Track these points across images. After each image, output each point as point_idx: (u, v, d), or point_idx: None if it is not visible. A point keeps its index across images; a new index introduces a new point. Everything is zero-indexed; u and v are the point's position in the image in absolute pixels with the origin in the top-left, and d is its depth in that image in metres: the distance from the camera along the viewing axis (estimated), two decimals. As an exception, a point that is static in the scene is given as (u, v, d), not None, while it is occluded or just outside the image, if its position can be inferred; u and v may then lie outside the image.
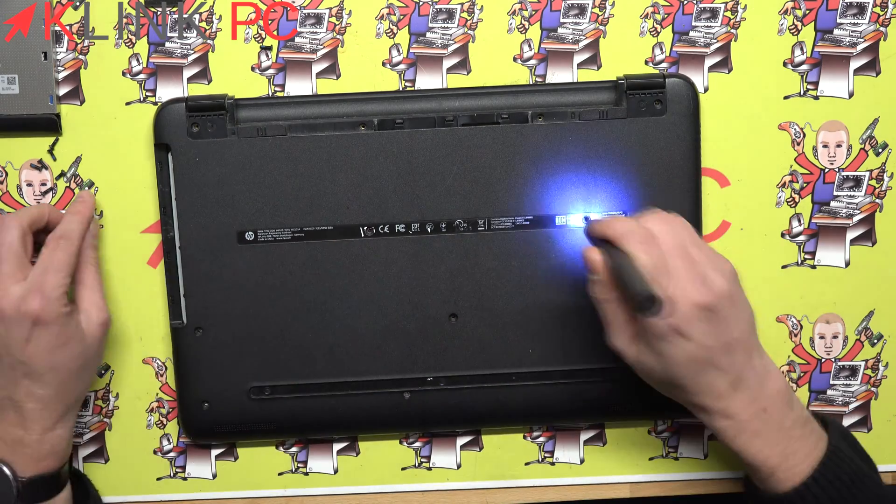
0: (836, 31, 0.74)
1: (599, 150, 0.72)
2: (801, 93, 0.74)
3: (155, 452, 0.77)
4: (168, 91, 0.73)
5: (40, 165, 0.74)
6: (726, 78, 0.74)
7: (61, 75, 0.73)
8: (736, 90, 0.74)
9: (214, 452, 0.77)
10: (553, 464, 0.78)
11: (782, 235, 0.76)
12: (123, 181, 0.74)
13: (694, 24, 0.74)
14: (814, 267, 0.76)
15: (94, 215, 0.71)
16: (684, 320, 0.61)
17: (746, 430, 0.64)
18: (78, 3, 0.73)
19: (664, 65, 0.74)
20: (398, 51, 0.74)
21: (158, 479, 0.77)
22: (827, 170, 0.75)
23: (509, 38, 0.74)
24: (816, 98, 0.74)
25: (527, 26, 0.74)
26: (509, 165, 0.72)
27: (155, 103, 0.73)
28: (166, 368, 0.76)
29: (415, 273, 0.72)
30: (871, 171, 0.75)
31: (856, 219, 0.76)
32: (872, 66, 0.74)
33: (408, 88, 0.74)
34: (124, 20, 0.73)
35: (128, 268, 0.75)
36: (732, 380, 0.64)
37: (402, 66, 0.74)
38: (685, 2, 0.73)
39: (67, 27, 0.73)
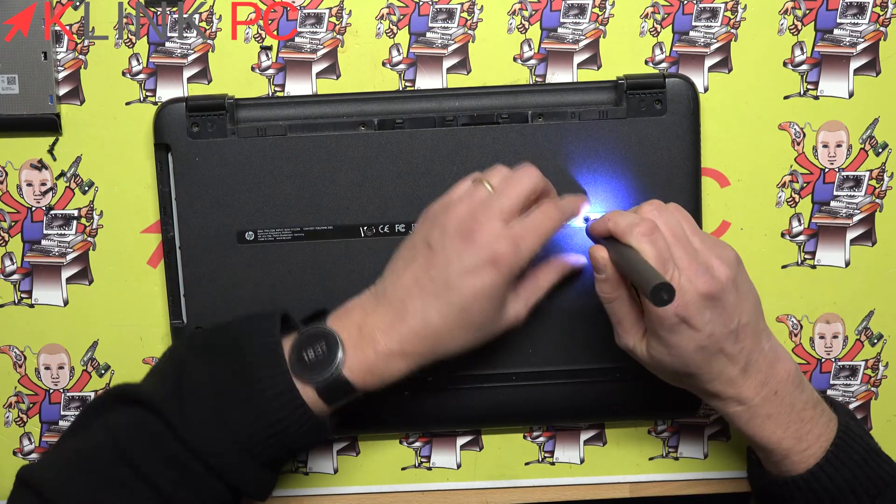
0: (836, 31, 0.74)
1: (599, 150, 0.72)
2: (801, 93, 0.74)
3: (155, 452, 0.77)
4: (168, 91, 0.73)
5: (40, 165, 0.74)
6: (726, 78, 0.74)
7: (61, 75, 0.73)
8: (736, 90, 0.74)
9: (214, 452, 0.77)
10: (553, 464, 0.78)
11: (782, 235, 0.76)
12: (123, 181, 0.74)
13: (694, 24, 0.74)
14: (814, 267, 0.76)
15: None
16: (691, 310, 0.61)
17: (759, 414, 0.65)
18: (78, 3, 0.73)
19: (664, 65, 0.74)
20: (398, 51, 0.74)
21: (158, 479, 0.77)
22: (827, 170, 0.75)
23: (509, 38, 0.74)
24: (816, 98, 0.74)
25: (527, 26, 0.74)
26: (509, 165, 0.71)
27: (155, 103, 0.73)
28: (166, 368, 0.76)
29: (415, 273, 0.72)
30: (871, 171, 0.75)
31: (856, 219, 0.76)
32: (872, 66, 0.74)
33: (408, 88, 0.74)
34: (124, 20, 0.73)
35: (128, 268, 0.75)
36: (742, 365, 0.64)
37: (402, 66, 0.74)
38: (685, 2, 0.73)
39: (67, 27, 0.73)
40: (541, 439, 0.78)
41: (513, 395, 0.74)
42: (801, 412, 0.65)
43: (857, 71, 0.74)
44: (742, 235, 0.75)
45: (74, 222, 0.74)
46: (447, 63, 0.74)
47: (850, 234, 0.76)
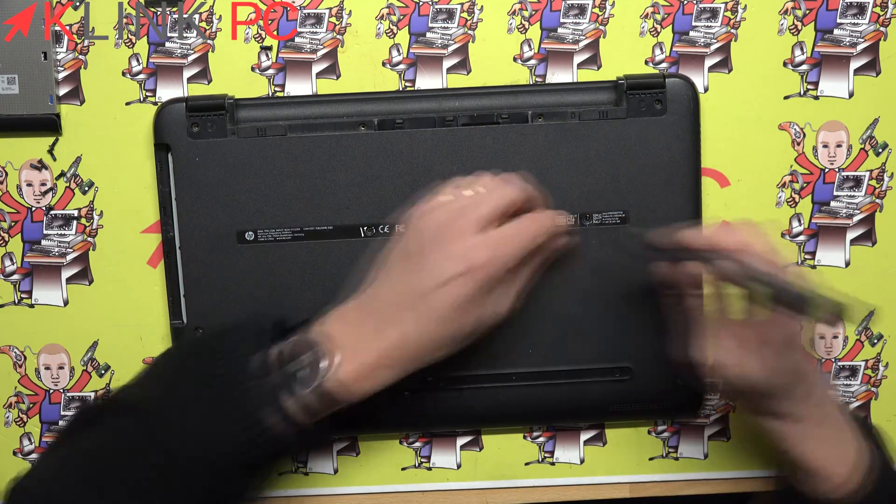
0: (836, 31, 0.74)
1: (599, 150, 0.72)
2: (801, 93, 0.74)
3: (155, 452, 0.77)
4: (168, 91, 0.73)
5: (40, 165, 0.74)
6: (726, 78, 0.74)
7: (61, 75, 0.73)
8: (736, 90, 0.74)
9: (214, 452, 0.77)
10: (553, 464, 0.78)
11: (782, 235, 0.76)
12: (123, 181, 0.74)
13: (694, 24, 0.74)
14: (814, 267, 0.76)
15: (561, 236, 0.69)
16: (798, 332, 0.63)
17: (812, 434, 0.66)
18: (78, 3, 0.73)
19: (664, 65, 0.74)
20: (398, 51, 0.74)
21: (158, 479, 0.77)
22: (827, 170, 0.75)
23: (509, 38, 0.74)
24: (816, 98, 0.74)
25: (527, 26, 0.74)
26: (509, 165, 0.72)
27: (155, 103, 0.73)
28: (166, 368, 0.76)
29: (415, 273, 0.72)
30: (871, 171, 0.75)
31: (856, 219, 0.76)
32: (872, 66, 0.74)
33: (408, 88, 0.74)
34: (124, 20, 0.73)
35: (128, 268, 0.75)
36: (807, 386, 0.65)
37: (402, 67, 0.74)
38: (685, 2, 0.73)
39: (67, 27, 0.73)
40: (541, 439, 0.78)
41: (513, 395, 0.74)
42: (845, 434, 0.66)
43: (857, 71, 0.74)
44: (742, 235, 0.75)
45: (74, 222, 0.74)
46: (447, 63, 0.74)
47: (850, 235, 0.76)
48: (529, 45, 0.74)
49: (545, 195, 0.68)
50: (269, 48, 0.73)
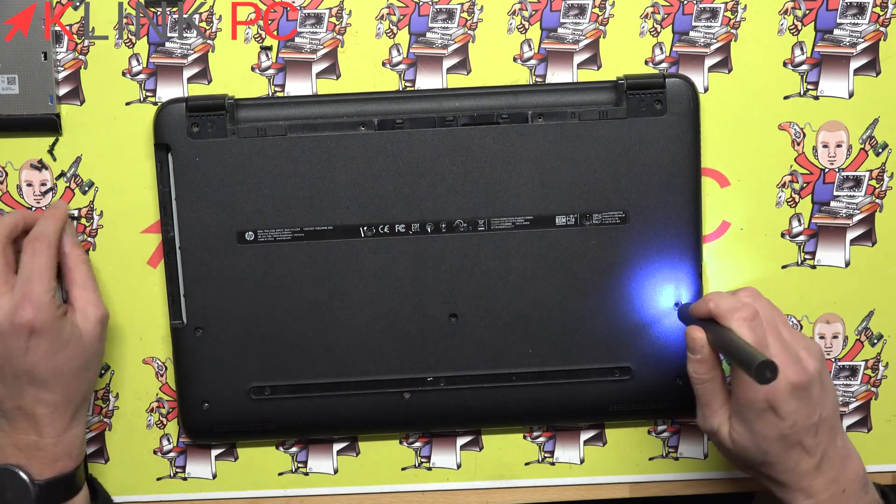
0: (836, 31, 0.74)
1: (599, 150, 0.72)
2: (801, 93, 0.74)
3: (155, 452, 0.77)
4: (168, 91, 0.73)
5: (40, 165, 0.74)
6: (726, 78, 0.74)
7: (61, 75, 0.73)
8: (736, 90, 0.74)
9: (214, 452, 0.77)
10: (553, 464, 0.78)
11: (782, 235, 0.76)
12: (123, 181, 0.74)
13: (694, 24, 0.74)
14: (814, 267, 0.76)
15: (67, 216, 0.71)
16: (780, 397, 0.63)
17: None
18: (78, 3, 0.73)
19: (664, 65, 0.74)
20: (398, 51, 0.74)
21: (158, 479, 0.77)
22: (827, 170, 0.75)
23: (509, 38, 0.74)
24: (816, 98, 0.74)
25: (527, 26, 0.74)
26: (509, 165, 0.72)
27: (155, 103, 0.73)
28: (166, 368, 0.76)
29: (415, 273, 0.72)
30: (871, 171, 0.75)
31: (856, 219, 0.76)
32: (872, 66, 0.74)
33: (408, 88, 0.74)
34: (124, 20, 0.73)
35: (128, 268, 0.75)
36: (818, 460, 0.65)
37: (402, 66, 0.74)
38: (685, 2, 0.73)
39: (67, 27, 0.73)
40: (541, 439, 0.78)
41: (513, 395, 0.74)
42: None
43: (857, 71, 0.74)
44: (742, 235, 0.75)
45: (74, 223, 0.74)
46: (447, 63, 0.74)
47: (850, 235, 0.76)
48: (529, 45, 0.74)
49: None
50: (269, 48, 0.73)
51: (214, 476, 0.77)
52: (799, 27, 0.74)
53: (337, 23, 0.73)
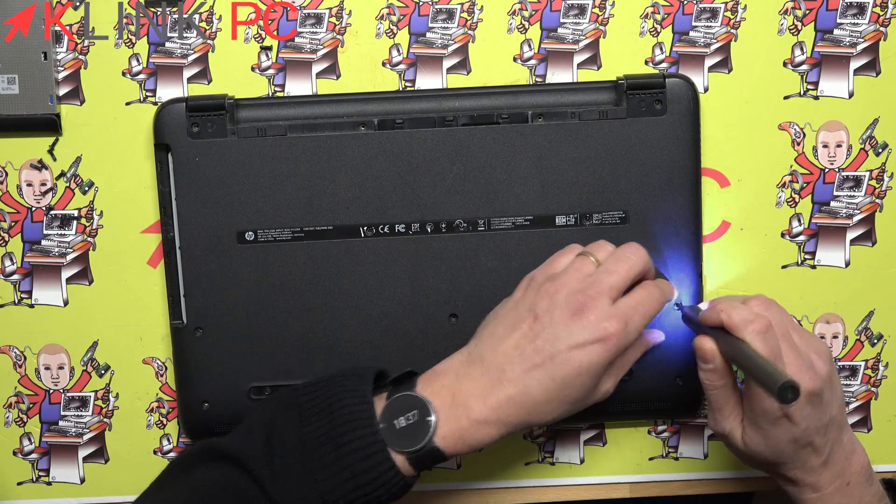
0: (836, 31, 0.74)
1: (599, 150, 0.72)
2: (801, 93, 0.74)
3: (155, 452, 0.77)
4: (168, 91, 0.73)
5: (40, 165, 0.74)
6: (726, 78, 0.74)
7: (61, 75, 0.73)
8: (736, 90, 0.74)
9: (214, 452, 0.77)
10: (553, 464, 0.78)
11: (782, 235, 0.76)
12: (123, 181, 0.74)
13: (694, 24, 0.74)
14: (814, 267, 0.76)
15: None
16: (795, 407, 0.63)
17: (830, 503, 0.66)
18: (78, 3, 0.73)
19: (664, 65, 0.74)
20: (398, 51, 0.74)
21: (158, 479, 0.77)
22: (827, 170, 0.75)
23: (509, 38, 0.74)
24: (816, 98, 0.74)
25: (527, 26, 0.74)
26: (509, 165, 0.72)
27: (155, 103, 0.73)
28: (166, 368, 0.76)
29: (415, 273, 0.72)
30: (871, 171, 0.75)
31: (856, 219, 0.76)
32: (872, 66, 0.74)
33: (408, 88, 0.74)
34: (124, 20, 0.73)
35: (128, 268, 0.75)
36: (825, 457, 0.66)
37: (402, 66, 0.74)
38: (685, 2, 0.73)
39: (67, 27, 0.73)
40: (541, 439, 0.78)
41: (513, 395, 0.74)
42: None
43: (857, 71, 0.74)
44: (742, 235, 0.75)
45: (74, 222, 0.74)
46: (447, 63, 0.74)
47: (850, 235, 0.76)
48: (529, 45, 0.74)
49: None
50: (269, 48, 0.73)
51: (214, 476, 0.77)
52: (799, 27, 0.74)
53: (337, 23, 0.73)
